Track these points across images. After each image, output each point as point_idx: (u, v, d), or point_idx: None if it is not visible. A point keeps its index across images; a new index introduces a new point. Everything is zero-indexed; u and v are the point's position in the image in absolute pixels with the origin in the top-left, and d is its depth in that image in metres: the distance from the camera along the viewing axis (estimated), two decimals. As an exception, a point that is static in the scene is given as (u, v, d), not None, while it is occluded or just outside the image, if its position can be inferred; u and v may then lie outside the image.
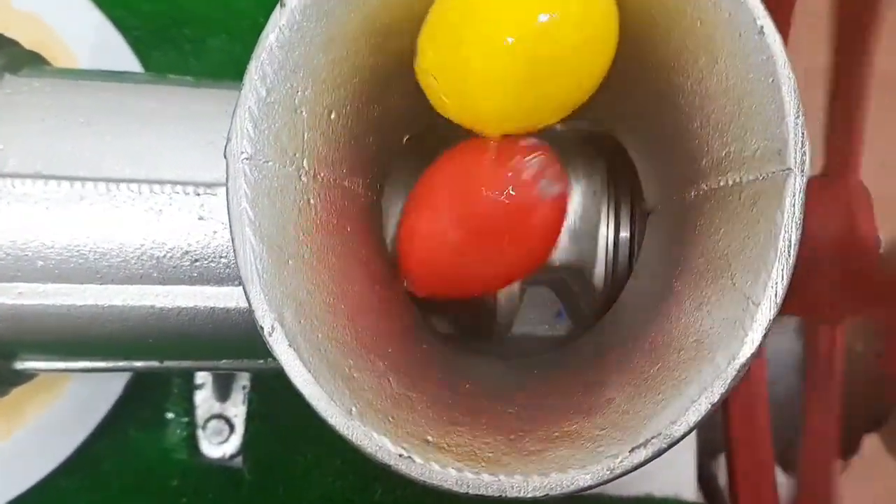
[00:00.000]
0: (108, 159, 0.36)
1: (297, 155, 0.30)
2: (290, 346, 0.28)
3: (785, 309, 0.28)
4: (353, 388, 0.29)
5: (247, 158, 0.29)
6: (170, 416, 0.57)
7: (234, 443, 0.52)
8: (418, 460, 0.28)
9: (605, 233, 0.38)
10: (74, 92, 0.37)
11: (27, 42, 0.45)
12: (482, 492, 0.28)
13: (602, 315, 0.37)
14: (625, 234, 0.38)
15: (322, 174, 0.31)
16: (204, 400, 0.52)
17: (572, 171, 0.38)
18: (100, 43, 0.54)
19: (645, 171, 0.36)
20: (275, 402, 0.55)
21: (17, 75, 0.37)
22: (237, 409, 0.52)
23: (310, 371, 0.28)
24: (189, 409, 0.54)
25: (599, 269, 0.38)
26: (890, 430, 0.52)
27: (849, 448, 0.54)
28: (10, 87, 0.37)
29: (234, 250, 0.29)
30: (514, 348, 0.41)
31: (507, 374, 0.35)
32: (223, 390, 0.52)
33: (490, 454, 0.29)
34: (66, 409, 0.53)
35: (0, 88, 0.37)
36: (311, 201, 0.31)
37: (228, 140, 0.29)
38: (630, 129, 0.34)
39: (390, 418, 0.29)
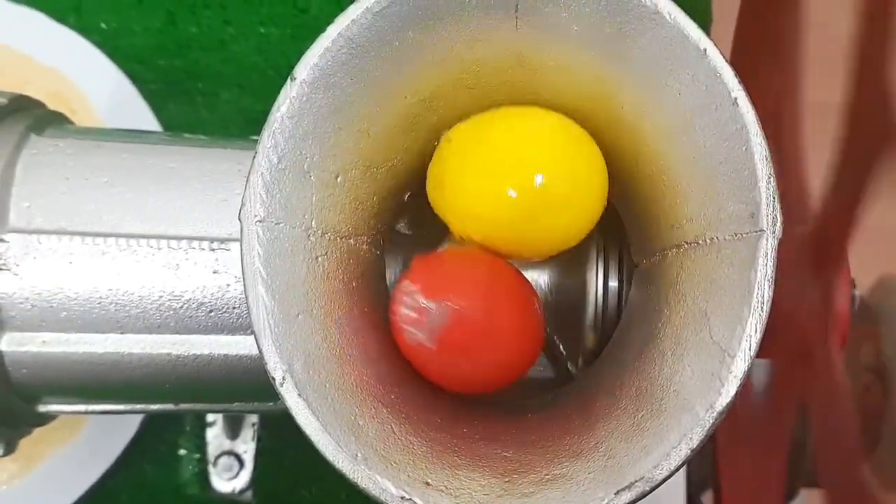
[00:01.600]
0: (128, 216, 0.38)
1: (305, 216, 0.33)
2: (300, 395, 0.30)
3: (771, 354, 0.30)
4: (358, 434, 0.31)
5: (259, 221, 0.31)
6: (182, 452, 0.59)
7: (243, 478, 0.54)
8: (419, 502, 0.30)
9: (595, 282, 0.40)
10: (96, 153, 0.39)
11: (47, 94, 0.47)
12: (478, 532, 0.30)
13: (592, 360, 0.39)
14: (614, 284, 0.40)
15: (329, 233, 0.34)
16: (215, 437, 0.54)
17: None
18: (117, 95, 0.57)
19: (631, 228, 0.38)
20: (283, 438, 0.57)
21: (42, 136, 0.40)
22: (247, 446, 0.54)
23: (318, 419, 0.30)
24: (201, 445, 0.56)
25: (590, 317, 0.40)
26: (880, 461, 0.53)
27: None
28: (36, 148, 0.39)
29: (248, 306, 0.31)
30: (509, 390, 0.43)
31: (502, 417, 0.37)
32: (233, 428, 0.54)
33: (485, 496, 0.31)
34: (83, 446, 0.55)
35: (26, 149, 0.39)
36: (319, 259, 0.33)
37: (243, 205, 0.31)
38: (618, 191, 0.37)
39: (393, 463, 0.31)
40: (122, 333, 0.38)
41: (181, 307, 0.38)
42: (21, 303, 0.37)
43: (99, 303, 0.38)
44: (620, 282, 0.40)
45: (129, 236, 0.38)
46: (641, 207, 0.36)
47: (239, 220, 0.32)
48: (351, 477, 0.30)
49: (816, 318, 0.38)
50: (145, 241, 0.38)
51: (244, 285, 0.31)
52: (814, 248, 0.38)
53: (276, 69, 0.62)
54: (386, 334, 0.35)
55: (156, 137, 0.43)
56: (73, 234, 0.38)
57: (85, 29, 0.60)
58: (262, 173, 0.32)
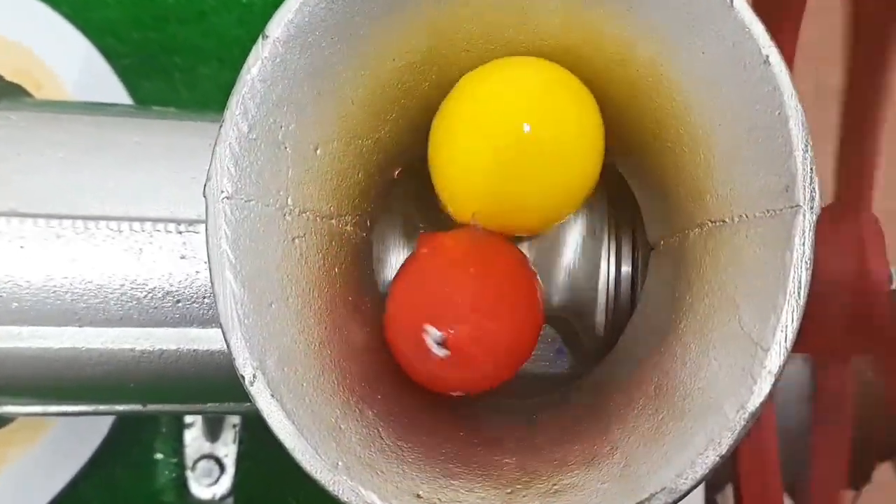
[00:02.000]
0: (86, 196, 0.34)
1: (280, 193, 0.29)
2: (272, 395, 0.27)
3: (793, 348, 0.27)
4: (339, 440, 0.27)
5: (227, 197, 0.28)
6: (158, 456, 0.56)
7: (224, 484, 0.51)
8: (408, 518, 0.26)
9: (606, 268, 0.36)
10: (53, 126, 0.36)
11: (13, 71, 0.44)
12: (476, 551, 0.26)
13: (604, 354, 0.35)
14: (627, 268, 0.36)
15: (307, 213, 0.30)
16: (193, 439, 0.50)
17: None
18: (88, 71, 0.53)
19: (647, 205, 0.34)
20: (267, 441, 0.53)
21: (-7, 108, 0.36)
22: (227, 449, 0.51)
23: (294, 423, 0.27)
24: (178, 448, 0.53)
25: (601, 306, 0.36)
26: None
27: (861, 477, 0.52)
28: (-13, 121, 0.35)
29: (214, 294, 0.27)
30: (511, 388, 0.39)
31: (504, 419, 0.33)
32: (213, 430, 0.50)
33: (485, 510, 0.27)
34: (49, 448, 0.52)
35: (-25, 123, 0.35)
36: (296, 241, 0.30)
37: (208, 179, 0.28)
38: (632, 163, 0.33)
39: (379, 472, 0.27)
40: (79, 326, 0.34)
41: (145, 297, 0.34)
42: (-33, 293, 0.34)
43: (54, 292, 0.34)
44: (634, 267, 0.36)
45: (86, 218, 0.34)
46: (659, 182, 0.32)
47: (203, 196, 0.28)
48: (330, 489, 0.27)
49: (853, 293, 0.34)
50: (104, 224, 0.34)
51: (210, 271, 0.28)
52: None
53: (260, 42, 0.58)
54: (374, 327, 0.32)
55: (120, 109, 0.39)
56: (24, 215, 0.34)
57: (53, 1, 0.56)
58: (230, 143, 0.28)
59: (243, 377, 0.27)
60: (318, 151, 0.30)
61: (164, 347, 0.35)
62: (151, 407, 0.38)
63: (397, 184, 0.35)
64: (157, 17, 0.59)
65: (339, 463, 0.27)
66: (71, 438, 0.52)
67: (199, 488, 0.51)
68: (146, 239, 0.34)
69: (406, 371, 0.31)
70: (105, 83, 0.53)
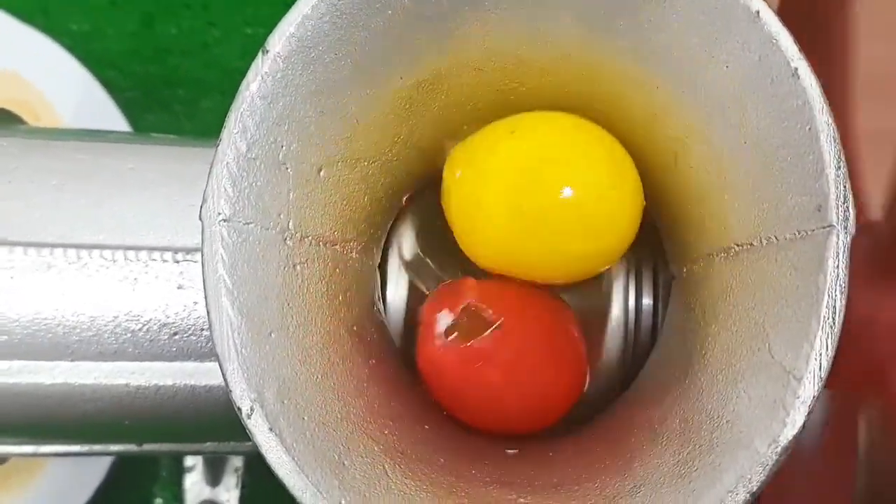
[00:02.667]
0: (79, 225, 0.33)
1: (281, 216, 0.28)
2: (271, 429, 0.25)
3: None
4: (342, 478, 0.26)
5: (224, 220, 0.26)
6: (158, 501, 0.54)
7: (226, 530, 0.49)
8: (417, 562, 0.25)
9: (625, 302, 0.34)
10: (44, 152, 0.34)
11: (8, 102, 0.42)
12: None
13: (622, 392, 0.34)
14: (648, 301, 0.34)
15: (310, 237, 0.28)
16: (193, 484, 0.48)
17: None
18: (87, 104, 0.52)
19: (668, 232, 0.33)
20: (271, 485, 0.51)
21: (-17, 135, 0.35)
22: (229, 494, 0.49)
23: (294, 459, 0.25)
24: (178, 493, 0.51)
25: (620, 342, 0.35)
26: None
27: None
28: (-24, 148, 0.34)
29: (210, 323, 0.26)
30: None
31: (518, 457, 0.31)
32: (215, 473, 0.48)
33: (499, 553, 0.25)
34: (43, 494, 0.50)
35: (-35, 149, 0.34)
36: (297, 268, 0.28)
37: (204, 201, 0.26)
38: (652, 188, 0.31)
39: (385, 512, 0.26)
40: (72, 361, 0.33)
41: (140, 328, 0.33)
42: (-46, 325, 0.32)
43: (45, 325, 0.32)
44: (655, 298, 0.34)
45: (79, 247, 0.32)
46: (681, 207, 0.31)
47: (200, 219, 0.26)
48: (333, 531, 0.25)
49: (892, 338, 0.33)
50: (97, 253, 0.32)
51: (206, 298, 0.26)
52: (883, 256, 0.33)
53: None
54: (380, 359, 0.30)
55: (115, 136, 0.38)
56: (13, 244, 0.32)
57: (53, 32, 0.54)
58: (227, 163, 0.27)
59: (240, 409, 0.25)
60: (322, 173, 0.29)
61: (161, 383, 0.33)
62: (148, 447, 0.37)
63: (406, 210, 0.34)
64: (159, 49, 0.58)
65: (343, 502, 0.25)
66: (67, 484, 0.50)
67: (199, 535, 0.49)
68: (141, 269, 0.33)
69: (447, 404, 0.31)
70: (106, 115, 0.52)
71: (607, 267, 0.32)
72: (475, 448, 0.31)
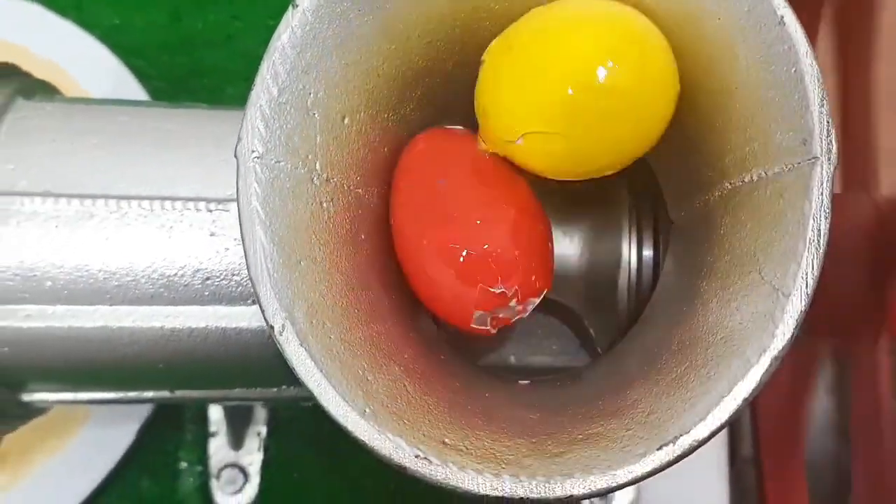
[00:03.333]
0: (118, 178, 0.35)
1: (309, 157, 0.30)
2: (301, 345, 0.27)
3: (816, 330, 0.27)
4: (367, 390, 0.28)
5: (258, 157, 0.28)
6: (183, 465, 0.55)
7: (248, 493, 0.51)
8: (435, 461, 0.27)
9: (628, 254, 0.36)
10: (87, 115, 0.37)
11: (46, 86, 0.45)
12: (503, 492, 0.26)
13: (623, 335, 0.36)
14: (648, 252, 0.36)
15: (335, 179, 0.31)
16: (218, 448, 0.50)
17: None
18: (118, 91, 0.54)
19: (666, 177, 0.35)
20: (292, 448, 0.53)
21: (29, 100, 0.37)
22: (252, 458, 0.51)
23: (322, 371, 0.27)
24: (202, 457, 0.53)
25: (622, 293, 0.37)
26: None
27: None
28: (23, 111, 0.37)
29: (245, 250, 0.28)
30: (533, 372, 0.39)
31: (527, 388, 0.33)
32: (237, 437, 0.50)
33: (511, 456, 0.27)
34: (75, 456, 0.52)
35: (12, 112, 0.36)
36: (324, 205, 0.30)
37: (239, 139, 0.29)
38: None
39: (406, 420, 0.28)
40: (111, 305, 0.35)
41: (175, 274, 0.35)
42: (2, 271, 0.34)
43: (87, 271, 0.35)
44: (656, 247, 0.36)
45: (118, 198, 0.35)
46: (678, 153, 0.33)
47: (235, 156, 0.29)
48: (359, 435, 0.27)
49: (867, 313, 0.34)
50: (136, 203, 0.35)
51: (240, 227, 0.28)
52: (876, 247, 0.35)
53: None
54: (399, 293, 0.32)
55: (153, 104, 0.40)
56: (58, 196, 0.35)
57: (86, 25, 0.57)
58: (260, 106, 0.29)
59: (272, 327, 0.27)
60: (346, 121, 0.31)
61: (193, 325, 0.35)
62: (179, 393, 0.39)
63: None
64: (186, 41, 0.61)
65: (367, 410, 0.27)
66: (95, 447, 0.52)
67: (223, 497, 0.50)
68: (177, 217, 0.35)
69: (425, 294, 0.31)
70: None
71: (638, 155, 0.31)
72: (488, 378, 0.33)
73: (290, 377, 0.27)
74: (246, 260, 0.28)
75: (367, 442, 0.27)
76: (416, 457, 0.27)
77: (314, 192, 0.30)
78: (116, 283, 0.35)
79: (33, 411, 0.40)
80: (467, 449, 0.27)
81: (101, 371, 0.37)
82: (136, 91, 0.55)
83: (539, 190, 0.32)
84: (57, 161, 0.35)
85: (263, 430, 0.51)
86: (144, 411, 0.52)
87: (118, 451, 0.52)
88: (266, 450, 0.51)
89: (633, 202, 0.37)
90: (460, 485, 0.27)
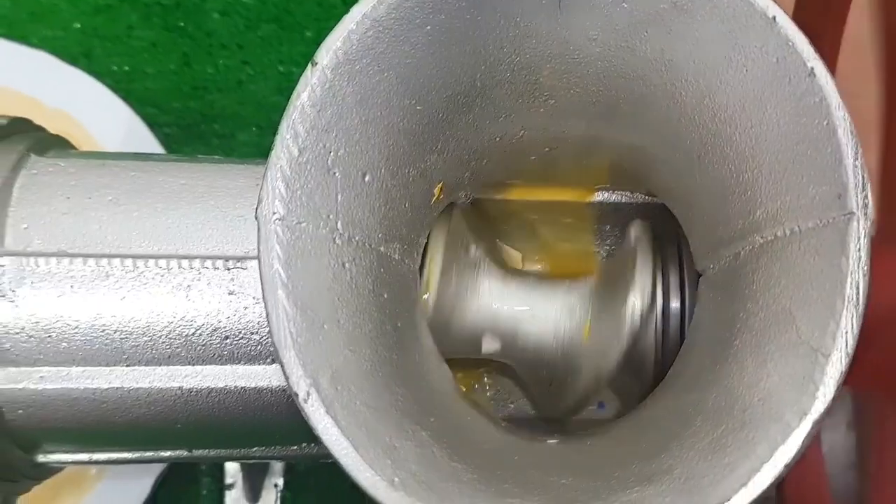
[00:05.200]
0: (135, 236, 0.34)
1: (330, 217, 0.29)
2: (327, 412, 0.27)
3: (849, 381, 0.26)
4: (394, 458, 0.27)
5: (279, 219, 0.28)
6: (200, 518, 0.54)
7: (266, 546, 0.50)
8: (468, 534, 0.26)
9: (654, 300, 0.36)
10: (100, 171, 0.36)
11: (57, 136, 0.44)
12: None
13: (649, 391, 0.35)
14: (675, 304, 0.36)
15: (357, 238, 0.30)
16: (235, 500, 0.49)
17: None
18: (130, 139, 0.54)
19: (694, 232, 0.34)
20: (309, 500, 0.53)
21: (42, 156, 0.36)
22: (269, 510, 0.50)
23: (349, 439, 0.26)
24: (219, 511, 0.52)
25: (651, 346, 0.36)
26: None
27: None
28: (36, 168, 0.36)
29: (267, 314, 0.27)
30: (556, 430, 0.39)
31: (556, 448, 0.32)
32: (254, 489, 0.49)
33: (544, 525, 0.27)
34: (90, 513, 0.51)
35: (25, 168, 0.36)
36: (346, 265, 0.29)
37: (260, 202, 0.28)
38: (677, 188, 0.33)
39: (435, 490, 0.27)
40: (128, 366, 0.34)
41: (193, 333, 0.34)
42: (17, 333, 0.34)
43: (102, 331, 0.34)
44: (682, 296, 0.36)
45: (135, 257, 0.34)
46: (706, 205, 0.32)
47: (256, 219, 0.28)
48: (388, 504, 0.26)
49: None
50: (153, 262, 0.34)
51: (262, 291, 0.27)
52: None
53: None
54: (422, 356, 0.31)
55: (166, 157, 0.39)
56: (73, 255, 0.34)
57: (96, 73, 0.57)
58: (280, 167, 0.28)
59: (297, 394, 0.27)
60: (367, 178, 0.30)
61: (212, 385, 0.34)
62: (197, 452, 0.38)
63: (443, 217, 0.35)
64: (197, 86, 0.60)
65: (396, 479, 0.26)
66: (110, 503, 0.51)
67: (240, 551, 0.50)
68: (194, 276, 0.34)
69: None
70: (147, 149, 0.54)
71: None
72: (516, 438, 0.32)
73: (311, 436, 0.27)
74: (269, 325, 0.27)
75: (397, 512, 0.26)
76: (449, 529, 0.26)
77: (336, 253, 0.29)
78: (133, 344, 0.34)
79: (47, 472, 0.39)
80: (499, 518, 0.27)
81: (118, 432, 0.36)
82: (147, 138, 0.55)
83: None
84: (71, 219, 0.35)
85: (280, 481, 0.50)
86: (160, 465, 0.52)
87: (134, 507, 0.51)
88: (283, 502, 0.50)
89: (659, 254, 0.36)
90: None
